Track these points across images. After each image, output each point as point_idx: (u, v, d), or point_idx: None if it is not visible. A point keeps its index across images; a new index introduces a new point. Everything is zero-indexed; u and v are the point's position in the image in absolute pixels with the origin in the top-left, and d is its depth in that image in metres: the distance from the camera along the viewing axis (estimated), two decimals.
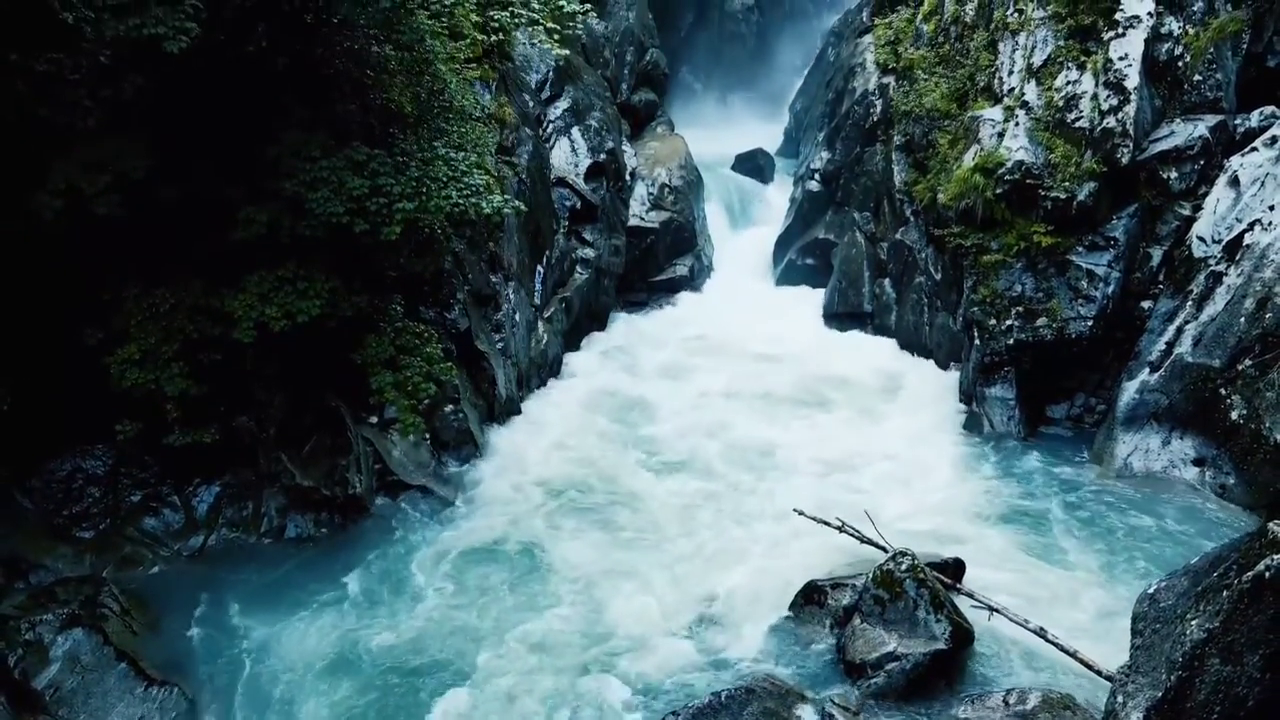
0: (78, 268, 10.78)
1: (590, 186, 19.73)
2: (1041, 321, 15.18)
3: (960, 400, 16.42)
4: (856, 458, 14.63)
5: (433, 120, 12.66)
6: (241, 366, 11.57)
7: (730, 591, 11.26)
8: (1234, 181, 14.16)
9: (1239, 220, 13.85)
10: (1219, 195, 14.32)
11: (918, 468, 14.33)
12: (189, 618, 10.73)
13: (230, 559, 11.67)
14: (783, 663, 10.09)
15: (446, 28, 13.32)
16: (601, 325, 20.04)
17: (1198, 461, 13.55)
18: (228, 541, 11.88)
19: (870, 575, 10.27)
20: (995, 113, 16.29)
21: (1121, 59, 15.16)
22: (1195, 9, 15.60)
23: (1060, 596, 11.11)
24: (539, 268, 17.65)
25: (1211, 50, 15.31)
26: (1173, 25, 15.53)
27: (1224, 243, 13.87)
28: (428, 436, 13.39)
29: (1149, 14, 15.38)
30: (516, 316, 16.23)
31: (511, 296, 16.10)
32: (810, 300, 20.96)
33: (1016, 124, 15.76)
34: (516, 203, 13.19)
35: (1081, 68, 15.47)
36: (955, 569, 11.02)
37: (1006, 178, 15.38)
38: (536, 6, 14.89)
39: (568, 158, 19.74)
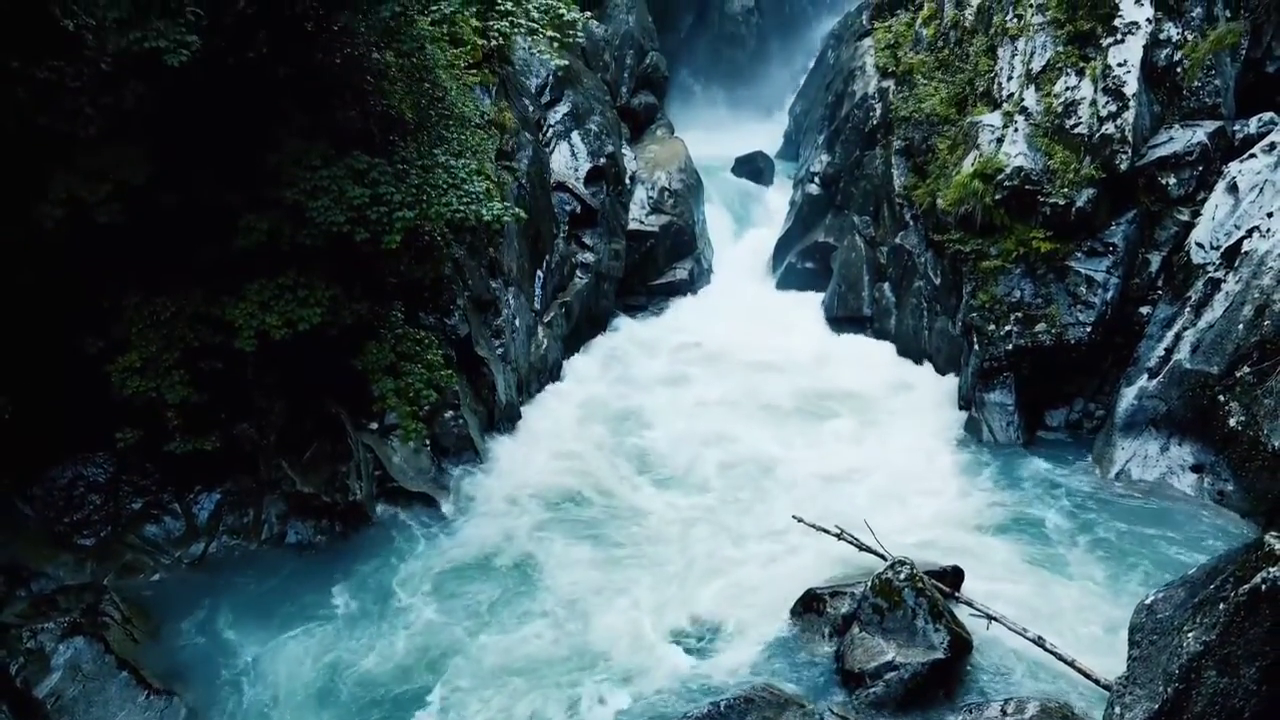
0: (78, 276, 10.78)
1: (590, 190, 19.73)
2: (1040, 327, 15.21)
3: (959, 405, 16.41)
4: (855, 465, 14.61)
5: (433, 127, 12.65)
6: (242, 374, 11.58)
7: (728, 601, 11.26)
8: (1232, 188, 14.19)
9: (1237, 227, 13.88)
10: (1217, 201, 14.35)
11: (916, 474, 14.32)
12: (190, 626, 10.75)
13: (231, 566, 11.70)
14: (781, 672, 10.08)
15: (447, 34, 13.33)
16: (601, 329, 20.02)
17: (1196, 468, 13.58)
18: (228, 549, 11.91)
19: (869, 583, 10.29)
20: (994, 118, 16.31)
21: (1120, 65, 15.18)
22: (1194, 15, 15.64)
23: (1059, 605, 11.11)
24: (539, 272, 17.67)
25: (1210, 57, 15.34)
26: (1171, 31, 15.56)
27: (1222, 249, 13.90)
28: (428, 443, 13.40)
29: (1148, 20, 15.41)
30: (516, 322, 16.24)
31: (511, 302, 16.12)
32: (810, 304, 20.96)
33: (1015, 130, 15.78)
34: (516, 210, 13.20)
35: (1080, 74, 15.49)
36: (954, 577, 11.03)
37: (1005, 183, 15.40)
38: (536, 15, 14.89)
39: (567, 162, 19.75)
